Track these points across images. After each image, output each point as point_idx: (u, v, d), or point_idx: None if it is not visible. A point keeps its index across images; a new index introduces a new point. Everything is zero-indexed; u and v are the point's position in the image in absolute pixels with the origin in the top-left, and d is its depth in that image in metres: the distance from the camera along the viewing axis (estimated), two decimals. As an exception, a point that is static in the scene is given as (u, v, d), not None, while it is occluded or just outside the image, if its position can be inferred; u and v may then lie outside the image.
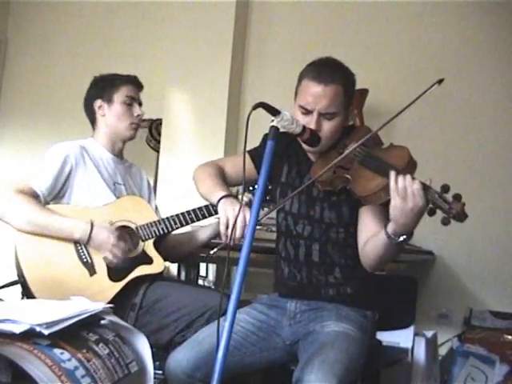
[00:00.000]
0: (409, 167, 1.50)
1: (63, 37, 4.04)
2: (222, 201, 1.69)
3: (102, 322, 1.32)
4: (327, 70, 1.65)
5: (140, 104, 2.18)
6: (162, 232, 2.02)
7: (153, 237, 2.01)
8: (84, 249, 1.93)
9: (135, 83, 2.19)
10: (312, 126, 1.61)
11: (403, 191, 1.41)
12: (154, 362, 1.38)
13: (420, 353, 2.45)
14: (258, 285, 2.86)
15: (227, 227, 1.63)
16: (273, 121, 1.45)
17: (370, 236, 1.62)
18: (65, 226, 1.91)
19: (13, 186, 1.93)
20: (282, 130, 1.47)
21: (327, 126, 1.65)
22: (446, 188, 1.40)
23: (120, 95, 2.13)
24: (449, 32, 3.21)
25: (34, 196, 1.93)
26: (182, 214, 2.05)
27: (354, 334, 1.64)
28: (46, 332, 1.14)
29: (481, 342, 2.73)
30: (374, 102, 3.14)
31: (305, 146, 1.72)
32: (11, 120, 4.12)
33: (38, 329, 1.14)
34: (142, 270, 1.97)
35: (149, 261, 1.99)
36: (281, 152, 1.77)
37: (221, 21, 3.46)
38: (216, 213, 1.99)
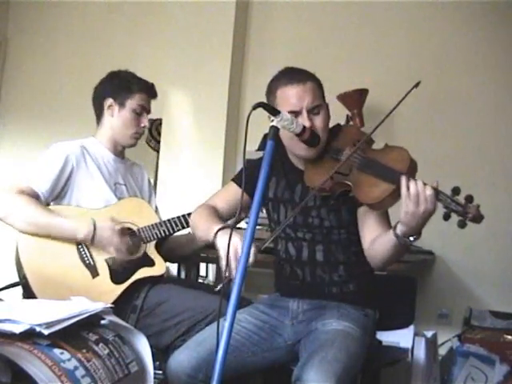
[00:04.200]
0: (411, 169, 1.50)
1: (63, 37, 4.04)
2: (217, 234, 1.62)
3: (102, 322, 1.32)
4: (296, 72, 1.71)
5: (148, 113, 2.15)
6: (163, 234, 2.02)
7: (154, 239, 2.01)
8: (86, 250, 1.93)
9: (150, 92, 2.14)
10: (306, 124, 1.60)
11: (416, 197, 1.43)
12: (154, 362, 1.38)
13: (420, 353, 2.45)
14: (258, 285, 2.86)
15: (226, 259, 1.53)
16: (273, 121, 1.44)
17: (375, 236, 1.63)
18: (67, 227, 1.90)
19: (13, 186, 1.91)
20: (281, 129, 1.47)
21: (318, 121, 1.67)
22: (456, 191, 1.40)
23: (133, 102, 2.09)
24: (449, 32, 3.20)
25: (35, 197, 1.92)
26: (184, 216, 2.04)
27: (354, 332, 1.64)
28: (45, 332, 1.14)
29: (481, 342, 2.73)
30: (374, 101, 3.14)
31: (300, 152, 1.70)
32: (11, 120, 4.12)
33: (37, 329, 1.14)
34: (144, 273, 1.96)
35: (150, 263, 1.99)
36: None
37: (221, 21, 3.46)
38: None
